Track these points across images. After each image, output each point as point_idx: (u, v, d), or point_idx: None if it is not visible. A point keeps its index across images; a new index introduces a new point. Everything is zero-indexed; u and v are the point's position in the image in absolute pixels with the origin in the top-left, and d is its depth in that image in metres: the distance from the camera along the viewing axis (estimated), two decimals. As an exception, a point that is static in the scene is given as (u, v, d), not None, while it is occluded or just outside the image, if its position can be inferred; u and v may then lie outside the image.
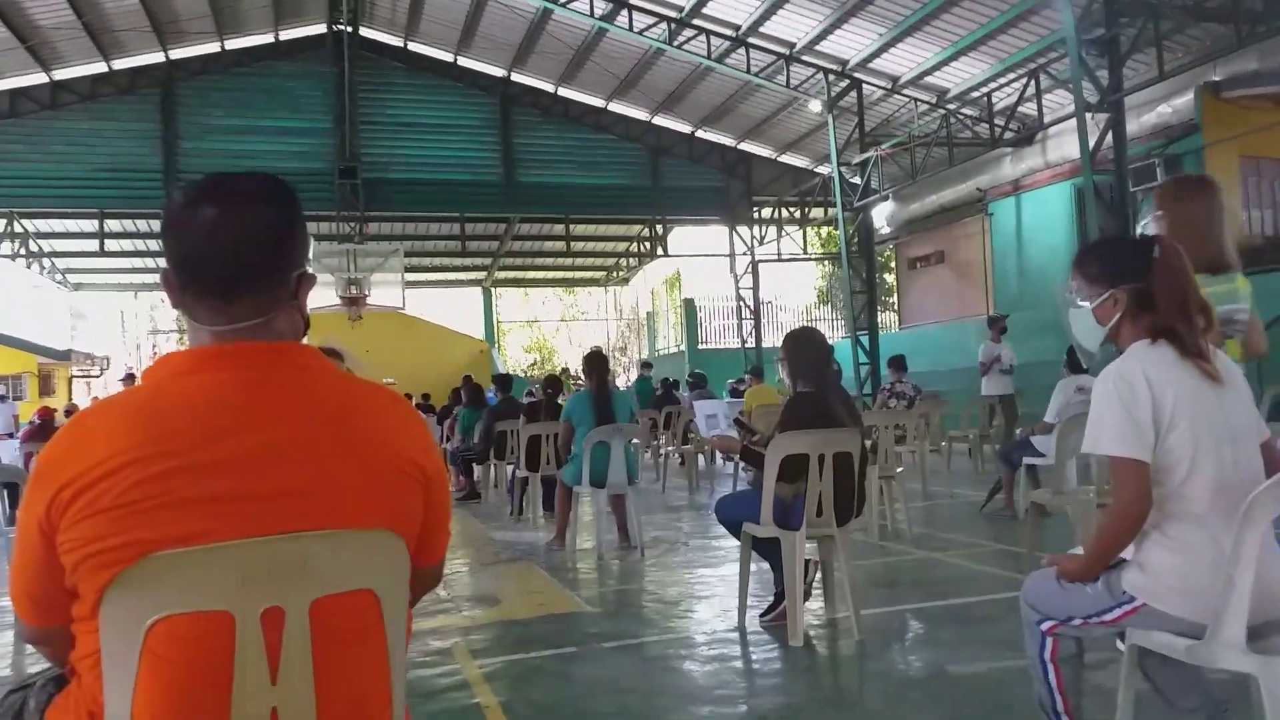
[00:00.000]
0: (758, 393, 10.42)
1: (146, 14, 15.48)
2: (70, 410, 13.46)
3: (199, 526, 1.24)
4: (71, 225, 19.52)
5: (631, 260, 25.93)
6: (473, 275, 26.58)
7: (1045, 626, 2.36)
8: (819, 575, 4.47)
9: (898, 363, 9.34)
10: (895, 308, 23.24)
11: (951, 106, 15.95)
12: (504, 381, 10.32)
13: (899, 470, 6.69)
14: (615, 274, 27.55)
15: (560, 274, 28.27)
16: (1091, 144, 11.09)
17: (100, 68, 16.89)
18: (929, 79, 15.85)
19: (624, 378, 31.02)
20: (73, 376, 23.06)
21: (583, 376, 7.27)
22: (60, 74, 16.76)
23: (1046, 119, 13.79)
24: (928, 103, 16.34)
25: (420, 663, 3.87)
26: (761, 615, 4.32)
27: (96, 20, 15.26)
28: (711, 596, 4.92)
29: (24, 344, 22.74)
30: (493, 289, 28.71)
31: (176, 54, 17.33)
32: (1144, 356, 2.23)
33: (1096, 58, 10.98)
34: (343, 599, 1.32)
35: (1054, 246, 15.06)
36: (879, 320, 17.79)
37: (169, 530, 1.23)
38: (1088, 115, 11.01)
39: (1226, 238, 3.09)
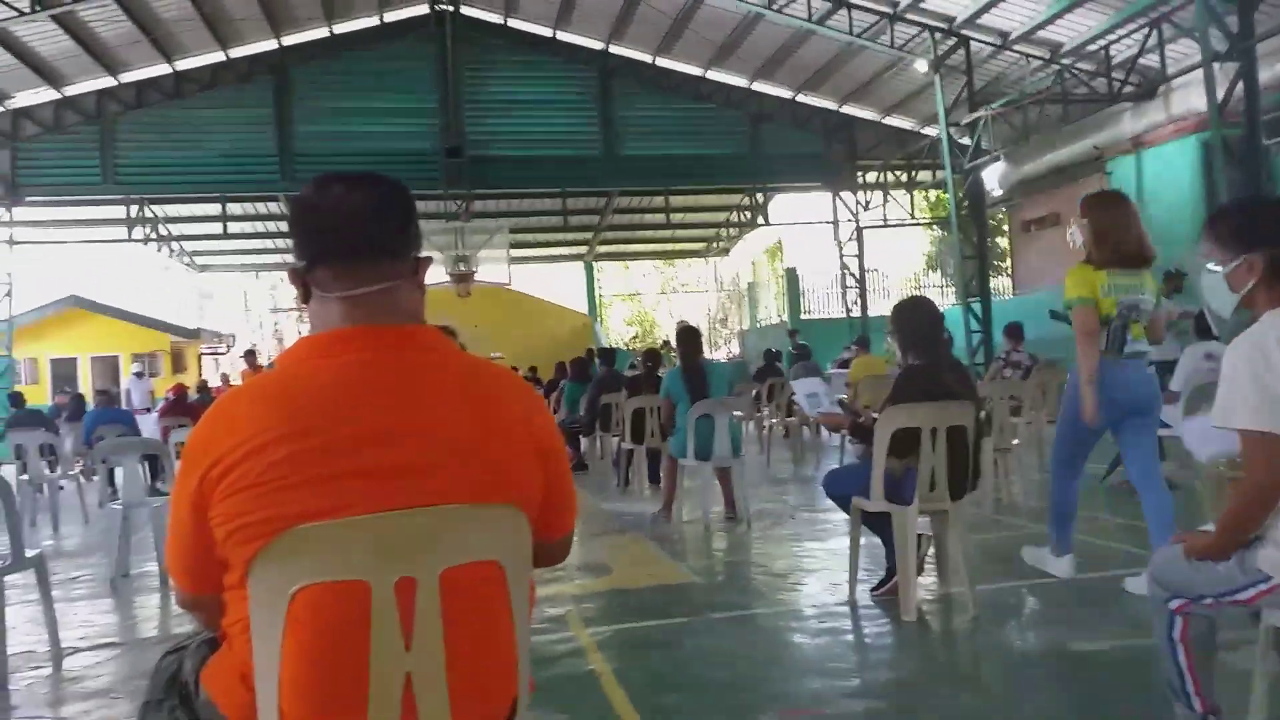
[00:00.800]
0: (864, 363, 10.25)
1: (260, 3, 16.04)
2: (202, 386, 14.21)
3: (334, 502, 1.31)
4: (196, 210, 20.49)
5: (732, 230, 25.72)
6: (574, 250, 26.82)
7: (1174, 605, 2.28)
8: (931, 550, 4.41)
9: (1013, 331, 9.02)
10: (1009, 273, 22.44)
11: (1066, 61, 15.22)
12: (608, 355, 10.43)
13: (1015, 442, 6.51)
14: (716, 244, 27.39)
15: (661, 246, 28.25)
16: (1220, 96, 10.43)
17: (218, 56, 17.58)
18: (1041, 33, 15.13)
19: (724, 349, 30.91)
20: (202, 354, 24.32)
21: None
22: (182, 64, 17.52)
23: (1169, 71, 13.02)
24: (1040, 58, 15.62)
25: (535, 629, 3.97)
26: (873, 589, 4.28)
27: (214, 11, 15.88)
28: (820, 570, 4.90)
29: (157, 323, 24.06)
30: (594, 263, 28.91)
31: (289, 40, 17.90)
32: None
33: (1224, 3, 10.30)
34: (470, 569, 1.38)
35: (1178, 205, 14.27)
36: (991, 286, 17.22)
37: (306, 505, 1.30)
38: (1215, 65, 10.35)
39: (1139, 241, 3.85)
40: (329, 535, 1.31)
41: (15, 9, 13.30)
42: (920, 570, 4.20)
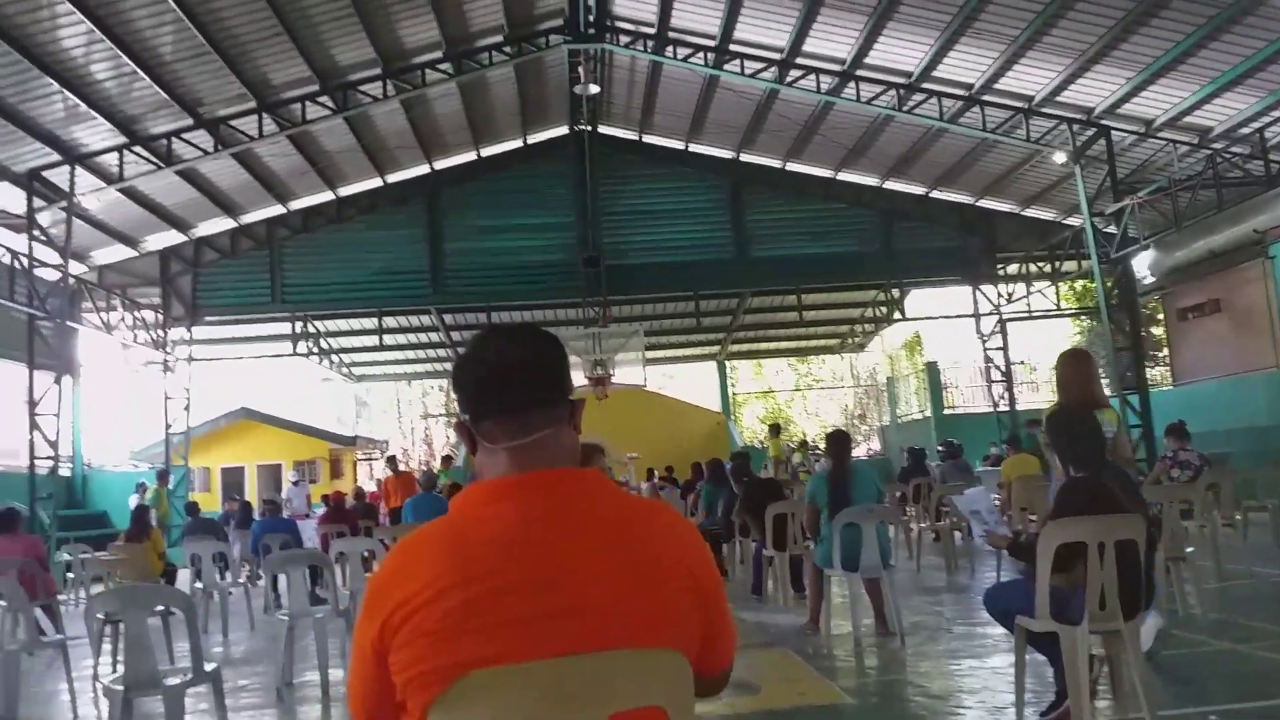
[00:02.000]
0: (1017, 463, 9.83)
1: (414, 132, 17.29)
2: (359, 493, 14.88)
3: (503, 648, 1.36)
4: (354, 324, 21.84)
5: (867, 325, 25.43)
6: (707, 350, 27.06)
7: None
8: (1104, 670, 4.14)
9: (1178, 430, 8.53)
10: (1167, 362, 21.24)
11: (1217, 145, 14.63)
12: (742, 462, 10.03)
13: (1188, 550, 6.08)
14: (850, 340, 27.11)
15: (793, 344, 28.18)
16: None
17: (377, 182, 18.99)
18: (1187, 119, 14.65)
19: (864, 446, 30.20)
20: (357, 460, 25.50)
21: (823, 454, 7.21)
22: (344, 191, 18.99)
23: (1333, 150, 12.30)
24: (1188, 144, 15.08)
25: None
26: (1042, 714, 4.04)
27: (374, 142, 17.22)
28: (982, 690, 4.66)
29: (317, 432, 25.45)
30: (727, 361, 29.04)
31: (440, 164, 19.18)
32: None
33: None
34: (636, 714, 1.41)
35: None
36: (1149, 376, 16.30)
37: (478, 652, 1.35)
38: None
39: (1097, 387, 5.07)
40: (498, 682, 1.35)
41: (201, 149, 14.79)
42: (1093, 694, 3.94)
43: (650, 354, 21.64)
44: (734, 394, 31.36)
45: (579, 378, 18.37)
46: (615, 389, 19.35)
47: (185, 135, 14.57)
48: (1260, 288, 16.14)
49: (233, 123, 14.70)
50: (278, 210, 18.76)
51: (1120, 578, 3.68)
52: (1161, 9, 11.89)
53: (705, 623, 1.52)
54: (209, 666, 4.16)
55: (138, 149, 14.49)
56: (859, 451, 27.87)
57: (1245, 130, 14.36)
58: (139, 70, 12.35)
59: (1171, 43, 12.54)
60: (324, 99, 14.88)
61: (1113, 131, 15.11)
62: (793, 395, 39.48)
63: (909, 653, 5.69)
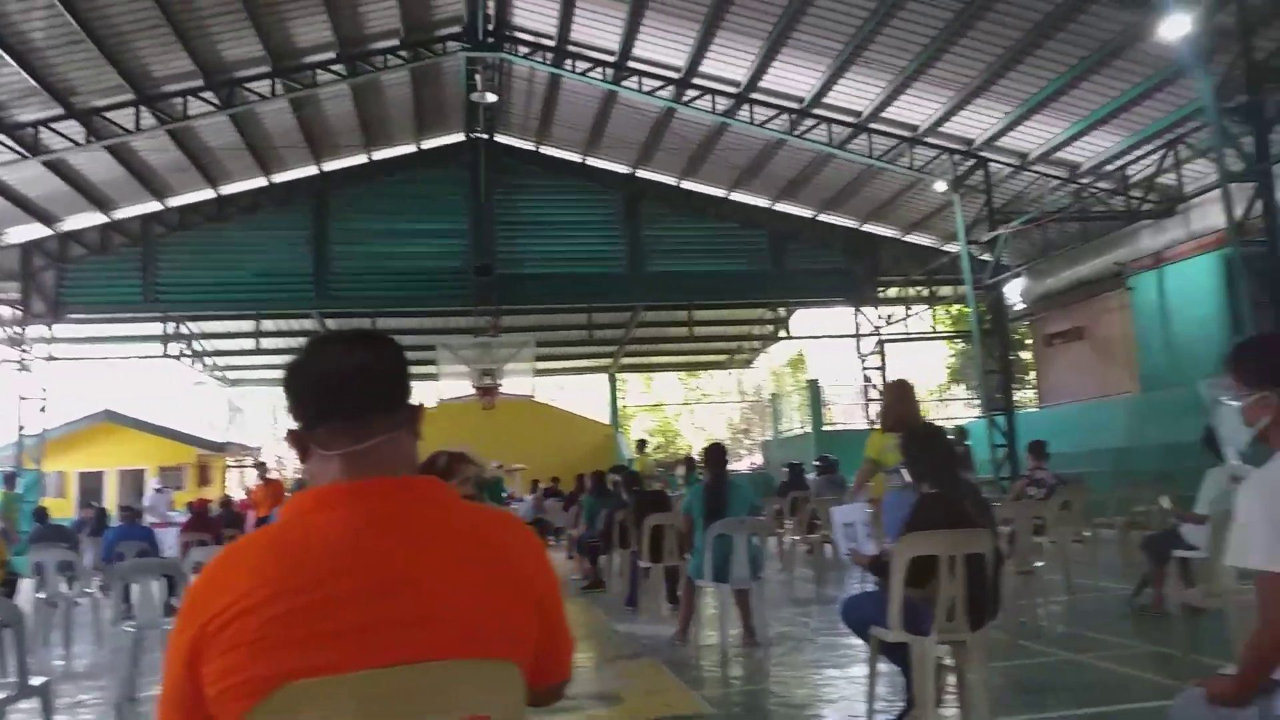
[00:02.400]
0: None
1: (303, 132, 16.80)
2: (224, 501, 14.28)
3: (326, 658, 1.31)
4: (230, 326, 21.01)
5: (755, 343, 25.90)
6: (599, 362, 27.09)
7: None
8: (953, 679, 4.28)
9: (1036, 449, 8.92)
10: (1034, 384, 22.32)
11: (1084, 180, 15.49)
12: (629, 476, 10.39)
13: (1038, 564, 6.36)
14: (738, 356, 27.57)
15: (683, 359, 28.49)
16: (1239, 214, 10.53)
17: (261, 182, 18.34)
18: (1059, 154, 15.48)
19: (746, 460, 30.69)
20: (228, 467, 24.49)
21: (703, 467, 7.29)
22: (226, 189, 18.27)
23: (1187, 189, 13.19)
24: (1059, 178, 15.93)
25: (543, 764, 3.87)
26: (890, 722, 4.16)
27: (259, 140, 16.65)
28: (839, 700, 4.76)
29: (185, 436, 24.33)
30: (618, 374, 29.13)
31: (329, 166, 18.67)
32: (1294, 465, 2.12)
33: (1240, 124, 10.50)
34: (464, 724, 1.37)
35: (1203, 320, 14.25)
36: (1016, 399, 17.07)
37: (299, 663, 1.30)
38: (1233, 185, 10.50)
39: (915, 411, 6.17)
40: (318, 693, 1.30)
41: (72, 140, 14.02)
42: (940, 701, 4.07)
43: (541, 365, 21.53)
44: (623, 407, 31.47)
45: (466, 386, 18.15)
46: (504, 399, 19.20)
47: (54, 125, 13.80)
48: (1120, 317, 17.14)
49: (108, 114, 14.02)
50: (154, 206, 17.98)
51: (970, 590, 3.81)
52: (1037, 48, 12.56)
53: (543, 633, 1.50)
54: (37, 680, 3.90)
55: (1, 137, 13.62)
56: (742, 465, 28.31)
57: (1110, 167, 15.25)
58: (4, 55, 11.64)
59: (1046, 80, 13.27)
60: (208, 94, 14.34)
61: (990, 163, 15.84)
62: (680, 409, 39.89)
63: (773, 663, 5.79)
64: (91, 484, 22.36)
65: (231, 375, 25.54)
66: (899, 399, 6.10)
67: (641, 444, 21.75)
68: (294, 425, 1.51)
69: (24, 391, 17.70)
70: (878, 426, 6.18)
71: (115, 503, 17.44)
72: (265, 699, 1.29)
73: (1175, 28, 10.48)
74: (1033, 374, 22.54)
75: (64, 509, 18.67)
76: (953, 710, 4.25)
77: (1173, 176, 13.81)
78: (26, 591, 9.82)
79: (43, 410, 18.01)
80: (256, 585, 1.33)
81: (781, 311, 22.73)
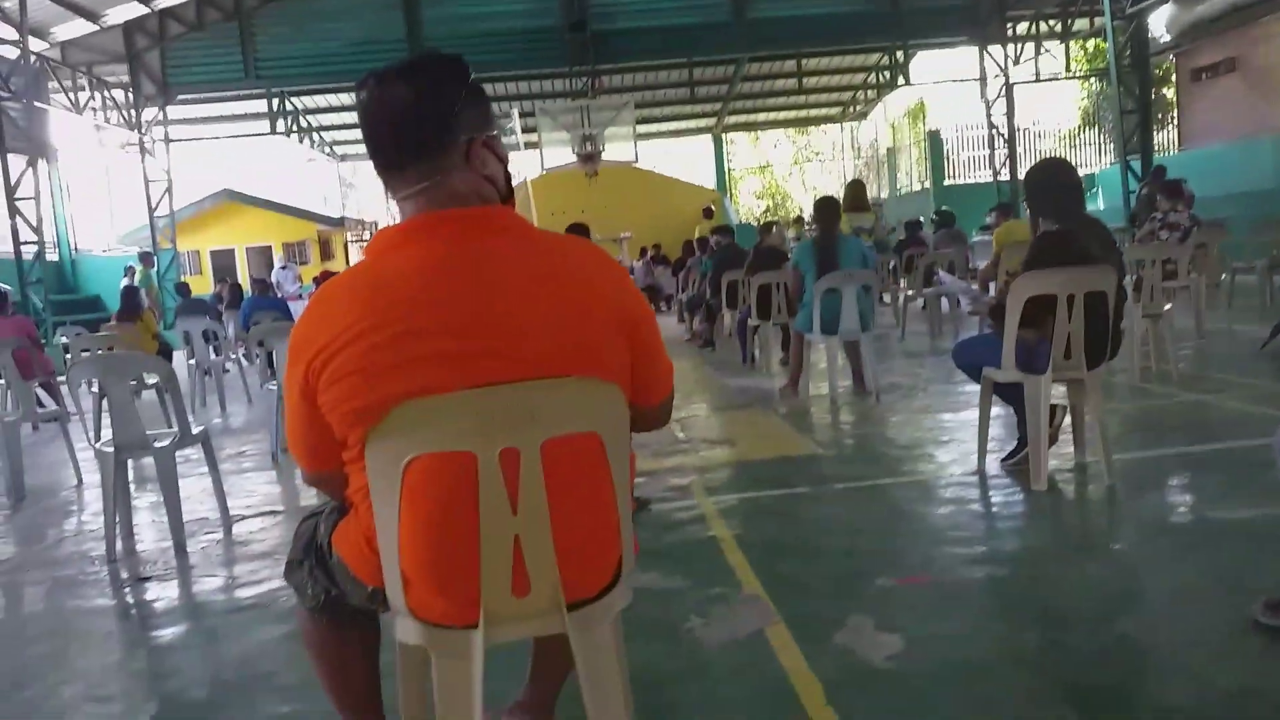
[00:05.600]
0: (1008, 229, 9.70)
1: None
2: (348, 272, 14.87)
3: (432, 380, 1.37)
4: (335, 100, 21.00)
5: (870, 93, 24.47)
6: (702, 123, 26.21)
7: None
8: (1067, 420, 4.25)
9: (1173, 189, 8.31)
10: (1175, 125, 20.62)
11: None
12: (725, 231, 10.52)
13: (1167, 307, 6.11)
14: (851, 109, 26.19)
15: (792, 113, 27.24)
16: None
17: (348, -55, 17.62)
18: None
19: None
20: (348, 241, 25.32)
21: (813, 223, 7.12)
22: (313, -46, 17.65)
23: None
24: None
25: (660, 498, 4.10)
26: (1003, 459, 4.19)
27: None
28: (950, 441, 4.81)
29: (305, 213, 25.14)
30: (723, 135, 28.20)
31: (415, -78, 17.72)
32: None
33: None
34: (570, 440, 1.43)
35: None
36: (1156, 142, 15.85)
37: (406, 386, 1.37)
38: None
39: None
40: (435, 409, 1.38)
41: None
42: (1054, 440, 4.06)
43: (642, 128, 20.96)
44: (731, 169, 30.68)
45: (567, 154, 17.91)
46: (606, 167, 18.90)
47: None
48: (1280, 44, 15.41)
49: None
50: (243, -25, 17.56)
51: (1088, 329, 3.69)
52: None
53: (634, 353, 1.51)
54: (196, 429, 4.27)
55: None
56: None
57: None
58: None
59: None
60: None
61: None
62: (790, 170, 38.68)
63: (883, 409, 5.85)
64: (223, 261, 23.62)
65: (340, 150, 25.84)
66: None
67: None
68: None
69: (149, 174, 18.33)
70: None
71: (248, 278, 18.44)
72: (382, 420, 1.38)
73: None
74: (1173, 115, 20.76)
75: (202, 286, 19.88)
76: (1067, 449, 4.25)
77: None
78: (179, 361, 10.68)
79: (168, 192, 18.69)
80: (354, 321, 1.38)
81: (899, 56, 21.16)
